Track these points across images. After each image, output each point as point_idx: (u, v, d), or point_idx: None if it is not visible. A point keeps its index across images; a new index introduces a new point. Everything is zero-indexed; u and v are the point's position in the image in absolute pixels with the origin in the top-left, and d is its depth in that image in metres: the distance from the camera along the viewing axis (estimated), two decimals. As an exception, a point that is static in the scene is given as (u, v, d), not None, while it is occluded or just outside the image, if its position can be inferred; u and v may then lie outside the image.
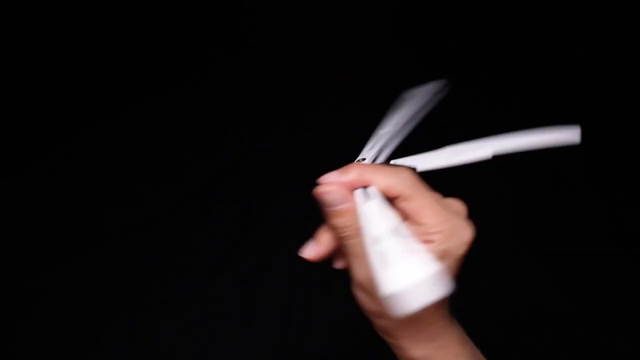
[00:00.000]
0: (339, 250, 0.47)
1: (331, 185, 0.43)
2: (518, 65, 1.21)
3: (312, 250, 0.46)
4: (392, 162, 0.49)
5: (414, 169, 0.45)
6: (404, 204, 0.42)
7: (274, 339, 0.91)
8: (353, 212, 0.43)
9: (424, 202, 0.42)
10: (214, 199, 1.05)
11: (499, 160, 1.11)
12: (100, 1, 1.27)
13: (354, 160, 0.48)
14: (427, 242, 0.41)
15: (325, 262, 0.47)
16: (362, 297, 0.44)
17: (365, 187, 0.43)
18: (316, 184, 0.44)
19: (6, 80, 1.19)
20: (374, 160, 0.48)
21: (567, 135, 0.46)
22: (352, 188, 0.43)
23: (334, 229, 0.44)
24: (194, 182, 1.07)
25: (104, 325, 0.91)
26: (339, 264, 0.48)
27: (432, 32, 1.25)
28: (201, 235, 1.01)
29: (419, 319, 0.43)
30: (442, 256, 0.41)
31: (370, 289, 0.42)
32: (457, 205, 0.45)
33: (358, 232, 0.43)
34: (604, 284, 0.95)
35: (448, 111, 1.13)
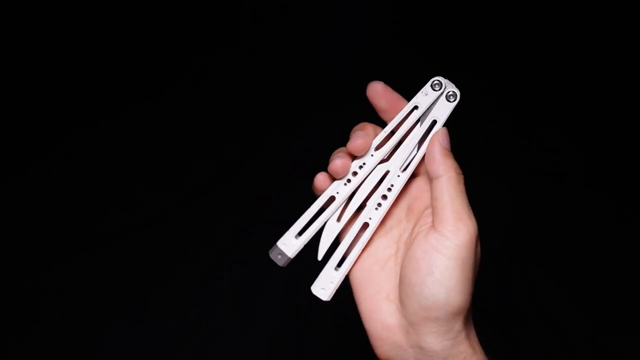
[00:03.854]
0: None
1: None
2: (521, 62, 1.20)
3: (359, 139, 0.41)
4: None
5: None
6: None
7: (273, 342, 0.91)
8: None
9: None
10: (214, 200, 1.05)
11: (498, 161, 1.12)
12: (100, 1, 1.26)
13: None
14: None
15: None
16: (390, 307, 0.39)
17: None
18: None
19: (7, 81, 1.19)
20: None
21: None
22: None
23: (454, 171, 0.39)
24: (194, 183, 1.07)
25: (103, 326, 0.91)
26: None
27: (433, 28, 1.25)
28: (201, 236, 1.01)
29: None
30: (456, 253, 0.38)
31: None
32: None
33: None
34: (604, 284, 0.95)
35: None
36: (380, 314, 0.40)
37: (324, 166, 0.44)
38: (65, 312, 0.92)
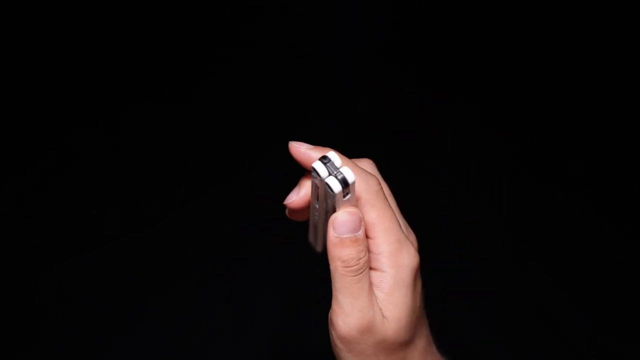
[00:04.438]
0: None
1: (347, 207, 0.37)
2: (522, 63, 1.20)
3: (294, 195, 0.40)
4: None
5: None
6: (362, 210, 0.38)
7: (273, 342, 0.91)
8: (364, 238, 0.37)
9: (381, 215, 0.38)
10: (214, 200, 1.04)
11: (498, 161, 1.11)
12: (102, 2, 1.26)
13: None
14: (373, 268, 0.38)
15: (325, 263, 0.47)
16: (343, 353, 0.38)
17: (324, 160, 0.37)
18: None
19: (7, 81, 1.19)
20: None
21: None
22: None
23: (338, 262, 0.37)
24: (194, 184, 1.07)
25: (103, 326, 0.91)
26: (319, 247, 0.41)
27: (433, 28, 1.25)
28: (201, 236, 1.01)
29: None
30: (393, 285, 0.37)
31: (361, 339, 0.37)
32: (412, 237, 0.40)
33: (367, 264, 0.37)
34: (604, 284, 0.95)
35: (442, 120, 1.13)
36: None
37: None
38: (65, 312, 0.92)
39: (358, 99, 1.15)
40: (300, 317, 0.92)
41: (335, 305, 0.37)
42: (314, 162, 0.37)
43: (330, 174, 0.36)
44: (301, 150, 0.39)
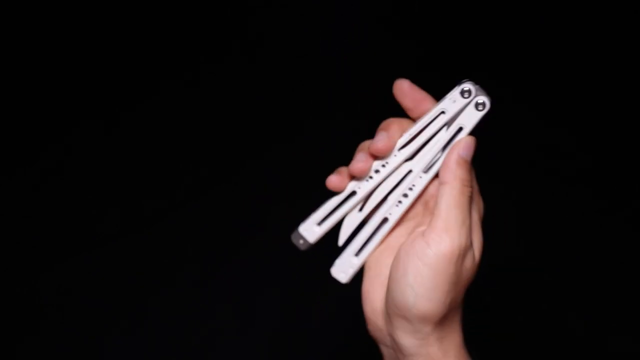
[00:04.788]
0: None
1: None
2: (522, 63, 1.20)
3: (382, 141, 0.42)
4: None
5: None
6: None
7: (273, 342, 0.91)
8: None
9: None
10: (214, 200, 1.05)
11: (498, 162, 1.12)
12: (101, 2, 1.26)
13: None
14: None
15: (325, 263, 0.46)
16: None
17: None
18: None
19: (7, 80, 1.19)
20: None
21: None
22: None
23: (459, 180, 0.39)
24: (194, 183, 1.07)
25: (103, 326, 0.91)
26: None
27: (433, 28, 1.25)
28: (201, 236, 1.01)
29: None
30: (480, 218, 0.41)
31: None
32: (481, 205, 0.43)
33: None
34: (604, 284, 0.95)
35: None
36: (373, 295, 0.41)
37: (324, 166, 0.44)
38: (66, 312, 0.92)
39: (358, 99, 1.15)
40: (300, 317, 0.92)
41: (440, 223, 0.37)
42: (418, 100, 0.42)
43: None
44: (413, 89, 0.43)
